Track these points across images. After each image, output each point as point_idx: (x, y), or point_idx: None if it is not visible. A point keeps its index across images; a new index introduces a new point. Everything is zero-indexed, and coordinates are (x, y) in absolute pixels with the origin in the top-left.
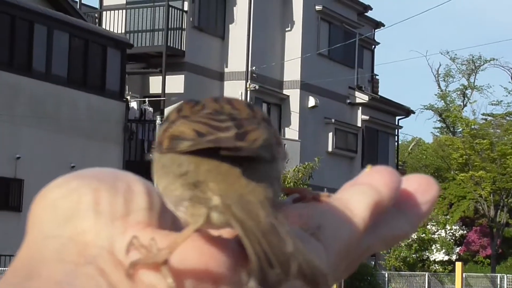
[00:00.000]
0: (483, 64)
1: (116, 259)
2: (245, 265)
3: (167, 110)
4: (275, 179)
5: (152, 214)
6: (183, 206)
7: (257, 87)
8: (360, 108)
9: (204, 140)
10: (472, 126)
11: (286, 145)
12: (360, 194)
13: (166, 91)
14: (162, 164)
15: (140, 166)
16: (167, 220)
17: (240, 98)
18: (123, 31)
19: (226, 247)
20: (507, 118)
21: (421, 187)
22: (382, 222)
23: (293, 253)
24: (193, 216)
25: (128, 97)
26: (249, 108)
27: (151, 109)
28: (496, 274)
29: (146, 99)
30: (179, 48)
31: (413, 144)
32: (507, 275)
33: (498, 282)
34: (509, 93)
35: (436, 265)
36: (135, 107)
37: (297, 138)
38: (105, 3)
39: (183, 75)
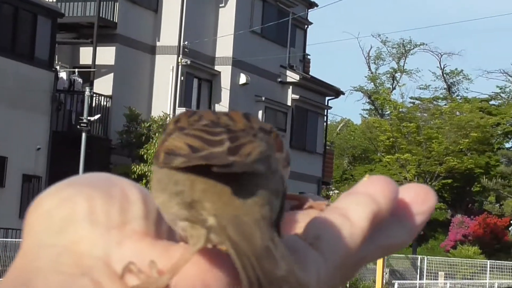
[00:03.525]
0: (413, 48)
1: (112, 271)
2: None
3: (96, 82)
4: (274, 192)
5: (149, 223)
6: (181, 225)
7: (188, 62)
8: (291, 87)
9: (197, 156)
10: (400, 109)
11: None
12: (358, 204)
13: (96, 63)
14: (158, 179)
15: (67, 137)
16: (162, 228)
17: (238, 111)
18: None
19: (224, 263)
20: (434, 102)
21: (418, 197)
22: (379, 231)
23: (285, 277)
24: (192, 237)
25: (57, 67)
26: (246, 119)
27: (80, 80)
28: (417, 256)
29: (76, 69)
30: (111, 19)
31: (341, 124)
32: (428, 256)
33: (419, 264)
34: (437, 78)
35: None
36: (64, 77)
37: None
38: None
39: (114, 47)
